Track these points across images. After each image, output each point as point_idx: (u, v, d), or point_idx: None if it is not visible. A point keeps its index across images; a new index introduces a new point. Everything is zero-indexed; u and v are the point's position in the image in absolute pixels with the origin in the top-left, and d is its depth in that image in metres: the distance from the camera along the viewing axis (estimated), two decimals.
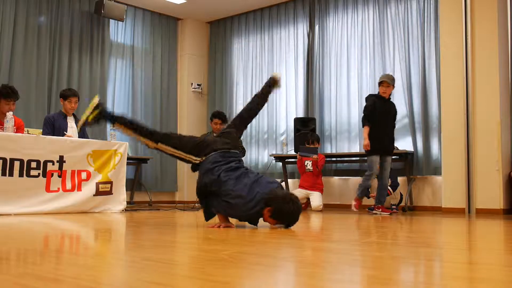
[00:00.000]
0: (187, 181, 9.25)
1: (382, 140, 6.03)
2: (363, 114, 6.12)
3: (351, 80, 7.85)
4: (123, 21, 8.54)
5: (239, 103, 9.21)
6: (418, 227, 4.39)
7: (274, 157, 8.05)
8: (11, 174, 5.17)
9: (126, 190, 6.25)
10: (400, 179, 6.72)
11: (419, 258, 2.42)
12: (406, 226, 4.58)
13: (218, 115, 7.60)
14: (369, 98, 6.18)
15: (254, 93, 8.97)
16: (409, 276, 2.02)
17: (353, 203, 6.16)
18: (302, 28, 8.51)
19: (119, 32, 8.83)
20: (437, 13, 7.06)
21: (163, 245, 2.75)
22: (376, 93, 6.17)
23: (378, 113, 6.03)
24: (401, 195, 6.64)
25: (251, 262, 2.29)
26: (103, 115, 4.15)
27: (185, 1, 8.68)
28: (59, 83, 7.85)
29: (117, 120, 4.15)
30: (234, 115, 9.10)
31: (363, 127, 6.08)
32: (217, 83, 9.57)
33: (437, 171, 6.94)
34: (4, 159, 5.13)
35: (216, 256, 2.31)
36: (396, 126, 7.32)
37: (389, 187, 6.41)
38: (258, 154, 8.80)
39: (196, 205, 7.56)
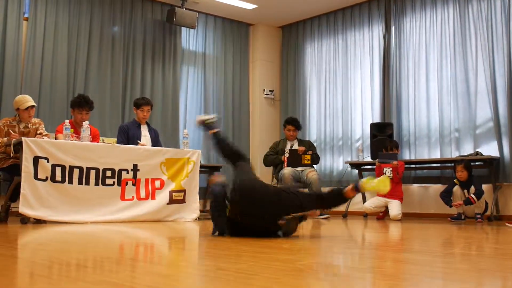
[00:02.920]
0: None
1: None
2: None
3: (430, 83, 7.53)
4: (194, 29, 8.63)
5: (313, 109, 9.08)
6: (506, 238, 4.15)
7: (349, 164, 7.85)
8: (87, 183, 5.29)
9: (199, 198, 6.23)
10: (485, 186, 6.34)
11: (507, 271, 2.28)
12: (492, 236, 4.37)
13: (292, 122, 7.50)
14: None
15: (327, 98, 8.89)
16: None
17: None
18: (377, 30, 8.27)
19: (190, 40, 8.93)
20: None
21: (237, 254, 2.71)
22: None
23: None
24: (486, 203, 6.26)
25: (328, 273, 2.21)
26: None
27: (257, 6, 8.66)
28: (133, 92, 8.00)
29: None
30: (307, 121, 9.16)
31: None
32: (290, 89, 9.47)
33: None
34: (81, 168, 5.26)
35: (292, 266, 2.25)
36: (480, 130, 6.99)
37: (472, 195, 6.06)
38: (332, 161, 8.60)
39: None
